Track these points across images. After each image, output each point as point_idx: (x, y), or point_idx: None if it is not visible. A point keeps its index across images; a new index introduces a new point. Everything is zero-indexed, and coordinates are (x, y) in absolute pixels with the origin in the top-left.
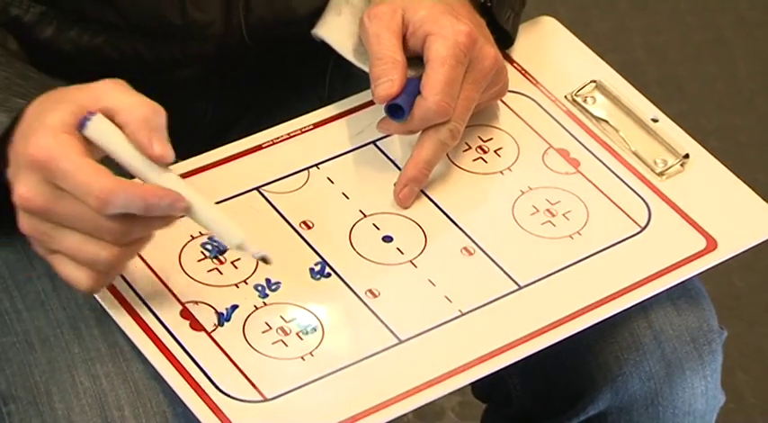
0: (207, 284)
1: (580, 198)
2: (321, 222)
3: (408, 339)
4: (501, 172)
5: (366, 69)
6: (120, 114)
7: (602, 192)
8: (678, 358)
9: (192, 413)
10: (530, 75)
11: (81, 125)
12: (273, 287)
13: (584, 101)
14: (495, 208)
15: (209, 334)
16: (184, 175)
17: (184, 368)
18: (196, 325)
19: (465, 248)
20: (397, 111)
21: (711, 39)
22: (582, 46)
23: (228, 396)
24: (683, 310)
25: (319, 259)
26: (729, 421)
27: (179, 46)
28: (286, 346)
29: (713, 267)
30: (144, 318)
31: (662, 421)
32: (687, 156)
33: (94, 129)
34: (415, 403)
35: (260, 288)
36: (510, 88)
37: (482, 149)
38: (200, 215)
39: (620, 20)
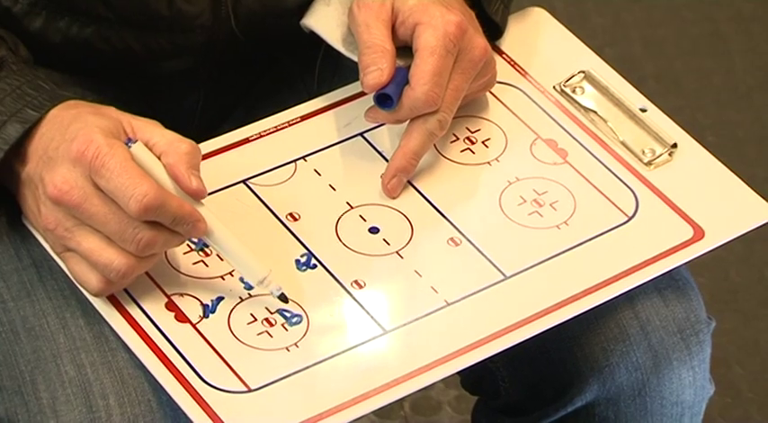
0: (192, 276)
1: (568, 188)
2: (308, 214)
3: (394, 329)
4: (488, 163)
5: (355, 59)
6: (158, 146)
7: (589, 182)
8: (665, 349)
9: (177, 404)
10: (518, 65)
11: (125, 143)
12: None
13: (573, 91)
14: (482, 199)
15: (194, 325)
16: None
17: (169, 359)
18: (181, 316)
19: (451, 239)
20: (385, 100)
21: (708, 33)
22: (571, 36)
23: (213, 387)
24: (670, 300)
25: (305, 251)
26: (726, 415)
27: (167, 37)
28: (271, 337)
29: (709, 261)
30: (129, 310)
31: (650, 412)
32: (675, 145)
33: (136, 152)
34: (400, 393)
35: (245, 280)
36: (498, 79)
37: (470, 140)
38: (224, 248)
39: (617, 14)
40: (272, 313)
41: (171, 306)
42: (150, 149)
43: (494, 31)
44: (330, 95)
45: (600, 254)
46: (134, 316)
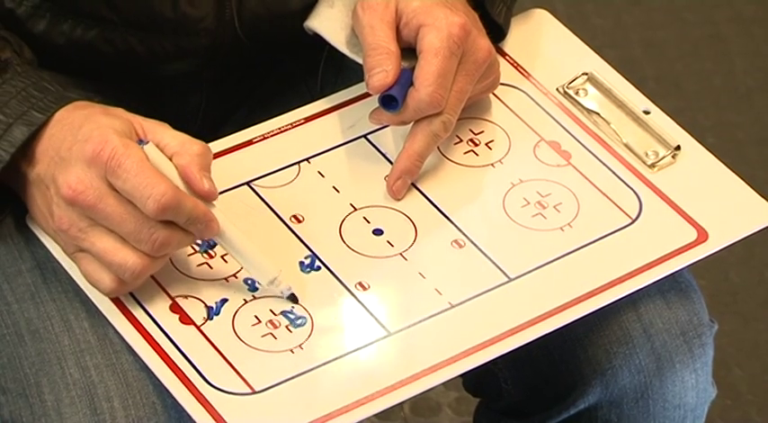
0: (196, 279)
1: (571, 190)
2: (311, 216)
3: (398, 331)
4: (492, 164)
5: (359, 61)
6: (169, 147)
7: (593, 184)
8: (668, 351)
9: (182, 406)
10: (521, 67)
11: (138, 143)
12: None
13: (576, 93)
14: (485, 200)
15: (198, 328)
16: None
17: (174, 361)
18: (185, 319)
19: (455, 241)
20: (390, 102)
21: (709, 35)
22: (574, 38)
23: (217, 389)
24: (673, 303)
25: (309, 253)
26: (726, 417)
27: (171, 40)
28: (275, 338)
29: (709, 263)
30: (133, 312)
31: (652, 415)
32: (678, 147)
33: (148, 153)
34: (404, 395)
35: (249, 282)
36: (501, 81)
37: (473, 142)
38: (236, 248)
39: (618, 15)
40: (276, 315)
41: (175, 308)
42: (162, 150)
43: (497, 33)
44: (333, 97)
45: (603, 256)
46: (138, 318)
